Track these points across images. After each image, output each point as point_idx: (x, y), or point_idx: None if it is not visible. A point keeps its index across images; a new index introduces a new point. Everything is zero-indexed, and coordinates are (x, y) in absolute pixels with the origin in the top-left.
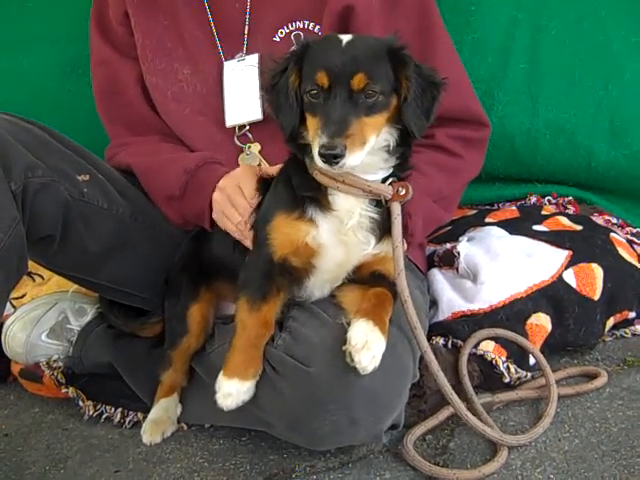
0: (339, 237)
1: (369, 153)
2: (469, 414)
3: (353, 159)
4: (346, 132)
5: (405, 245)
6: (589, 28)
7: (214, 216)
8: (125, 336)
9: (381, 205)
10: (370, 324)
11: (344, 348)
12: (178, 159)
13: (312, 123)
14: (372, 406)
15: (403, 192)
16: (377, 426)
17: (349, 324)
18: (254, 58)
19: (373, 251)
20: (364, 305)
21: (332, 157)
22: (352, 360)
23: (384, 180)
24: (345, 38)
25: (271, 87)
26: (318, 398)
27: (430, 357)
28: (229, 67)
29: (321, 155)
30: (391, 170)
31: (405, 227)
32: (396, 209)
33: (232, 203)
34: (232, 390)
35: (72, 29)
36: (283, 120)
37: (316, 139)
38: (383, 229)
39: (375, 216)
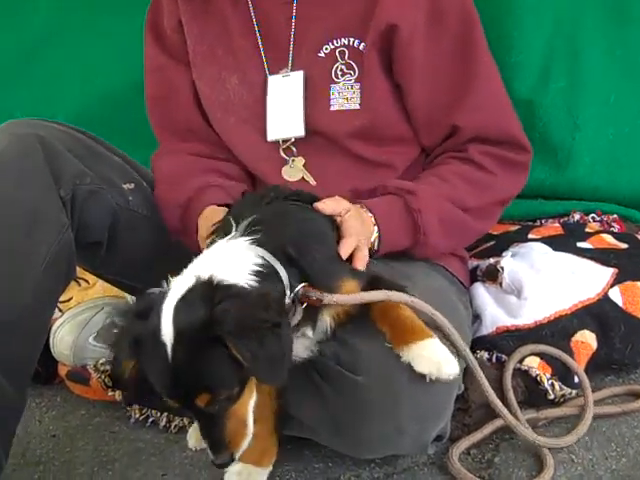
0: None
1: None
2: (511, 418)
3: (240, 451)
4: (225, 445)
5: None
6: (620, 54)
7: None
8: None
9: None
10: (420, 346)
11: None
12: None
13: None
14: (419, 416)
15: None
16: (423, 436)
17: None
18: (299, 75)
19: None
20: (397, 333)
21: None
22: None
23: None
24: (168, 340)
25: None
26: (365, 407)
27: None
28: (273, 82)
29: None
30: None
31: (415, 224)
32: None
33: None
34: None
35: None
36: None
37: None
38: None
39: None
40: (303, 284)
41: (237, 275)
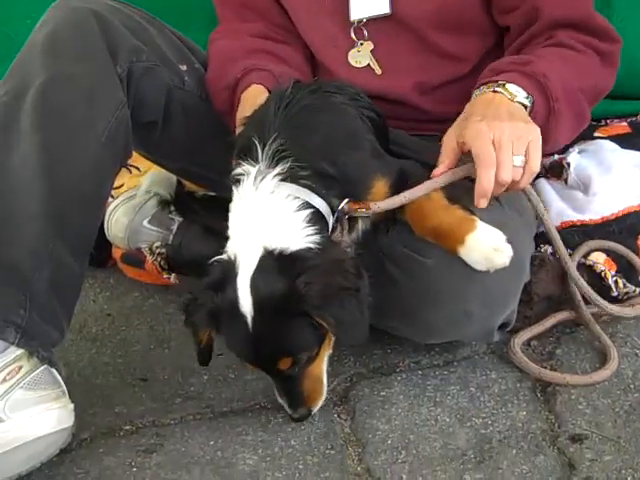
0: None
1: None
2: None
3: (317, 407)
4: (303, 401)
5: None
6: None
7: None
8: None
9: None
10: (466, 248)
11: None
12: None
13: None
14: (487, 300)
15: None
16: (491, 320)
17: None
18: None
19: None
20: (442, 242)
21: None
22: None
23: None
24: (248, 312)
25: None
26: (435, 290)
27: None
28: None
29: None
30: None
31: (544, 89)
32: None
33: None
34: None
35: None
36: None
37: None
38: None
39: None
40: (345, 201)
41: (296, 235)
